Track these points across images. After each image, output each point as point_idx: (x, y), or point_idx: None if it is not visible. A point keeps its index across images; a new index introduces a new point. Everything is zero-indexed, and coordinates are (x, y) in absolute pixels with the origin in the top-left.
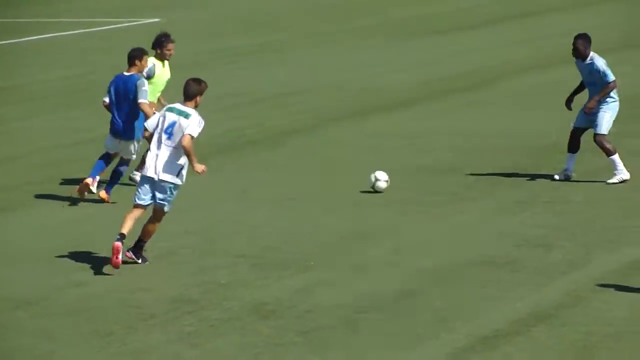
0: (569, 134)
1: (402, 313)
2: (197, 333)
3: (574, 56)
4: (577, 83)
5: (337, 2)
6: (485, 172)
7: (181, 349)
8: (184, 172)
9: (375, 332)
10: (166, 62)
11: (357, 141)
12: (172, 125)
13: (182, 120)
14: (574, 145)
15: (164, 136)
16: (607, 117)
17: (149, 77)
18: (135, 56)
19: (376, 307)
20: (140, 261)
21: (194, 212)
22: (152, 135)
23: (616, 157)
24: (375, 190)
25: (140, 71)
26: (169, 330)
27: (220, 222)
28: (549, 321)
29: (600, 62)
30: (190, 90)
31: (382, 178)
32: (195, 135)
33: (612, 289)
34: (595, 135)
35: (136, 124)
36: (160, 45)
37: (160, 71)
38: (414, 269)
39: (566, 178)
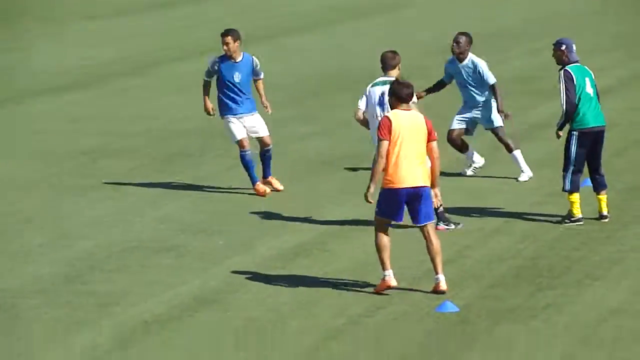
0: (451, 136)
1: (63, 298)
2: None
3: (455, 55)
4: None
5: None
6: (149, 157)
7: None
8: None
9: (37, 317)
10: None
11: (16, 124)
12: (382, 96)
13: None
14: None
15: (377, 109)
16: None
17: None
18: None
19: (38, 292)
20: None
21: None
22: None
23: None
24: None
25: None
26: None
27: None
28: (212, 306)
29: (483, 64)
30: (391, 62)
31: None
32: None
33: (274, 274)
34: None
35: None
36: None
37: None
38: (75, 254)
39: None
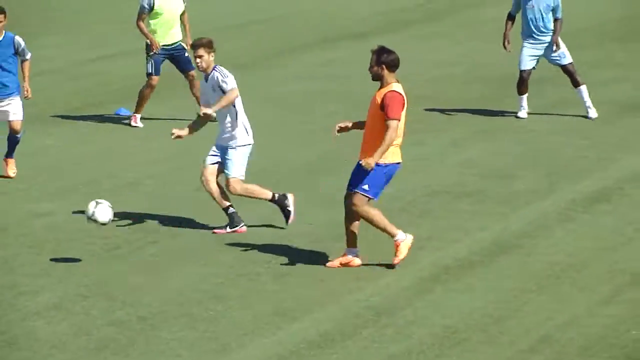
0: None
1: (367, 243)
2: (160, 263)
3: None
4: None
5: None
6: (446, 103)
7: (145, 279)
8: None
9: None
10: None
11: (315, 70)
12: None
13: None
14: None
15: None
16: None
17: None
18: None
19: (339, 236)
20: None
21: (158, 142)
22: None
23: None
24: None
25: None
26: (132, 260)
27: (184, 152)
28: (512, 251)
29: None
30: None
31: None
32: None
33: (576, 220)
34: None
35: None
36: None
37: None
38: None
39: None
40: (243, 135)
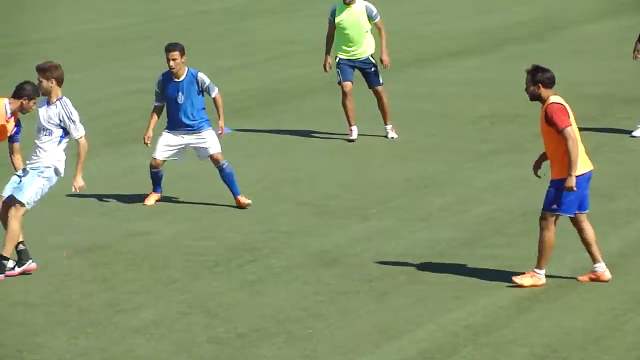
0: None
1: (464, 261)
2: (260, 281)
3: None
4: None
5: None
6: None
7: (244, 296)
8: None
9: (438, 280)
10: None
11: (414, 89)
12: None
13: None
14: None
15: None
16: None
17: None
18: None
19: (438, 255)
20: None
21: (256, 161)
22: None
23: None
24: None
25: None
26: (232, 278)
27: (282, 170)
28: (613, 270)
29: None
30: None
31: None
32: None
33: None
34: None
35: None
36: None
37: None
38: (475, 218)
39: None
40: (57, 166)
